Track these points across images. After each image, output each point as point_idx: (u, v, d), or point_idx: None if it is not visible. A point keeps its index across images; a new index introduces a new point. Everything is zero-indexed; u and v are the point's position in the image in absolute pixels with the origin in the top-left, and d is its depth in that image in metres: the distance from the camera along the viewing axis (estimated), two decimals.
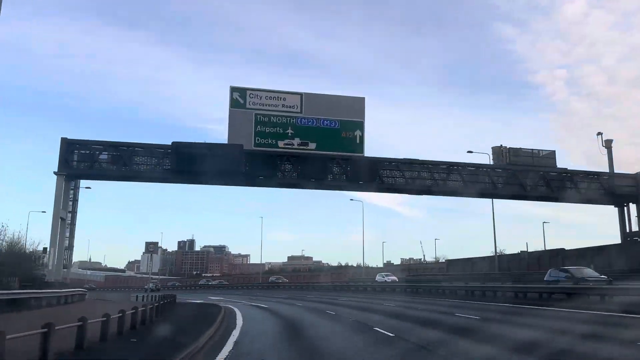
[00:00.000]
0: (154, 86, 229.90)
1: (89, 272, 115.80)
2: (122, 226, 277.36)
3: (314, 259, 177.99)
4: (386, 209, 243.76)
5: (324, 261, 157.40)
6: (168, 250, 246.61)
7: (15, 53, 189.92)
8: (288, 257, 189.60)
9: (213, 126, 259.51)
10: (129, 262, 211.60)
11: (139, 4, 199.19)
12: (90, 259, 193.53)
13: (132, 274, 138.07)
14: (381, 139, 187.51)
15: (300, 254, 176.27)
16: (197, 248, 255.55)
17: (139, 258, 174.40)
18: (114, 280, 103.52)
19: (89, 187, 47.99)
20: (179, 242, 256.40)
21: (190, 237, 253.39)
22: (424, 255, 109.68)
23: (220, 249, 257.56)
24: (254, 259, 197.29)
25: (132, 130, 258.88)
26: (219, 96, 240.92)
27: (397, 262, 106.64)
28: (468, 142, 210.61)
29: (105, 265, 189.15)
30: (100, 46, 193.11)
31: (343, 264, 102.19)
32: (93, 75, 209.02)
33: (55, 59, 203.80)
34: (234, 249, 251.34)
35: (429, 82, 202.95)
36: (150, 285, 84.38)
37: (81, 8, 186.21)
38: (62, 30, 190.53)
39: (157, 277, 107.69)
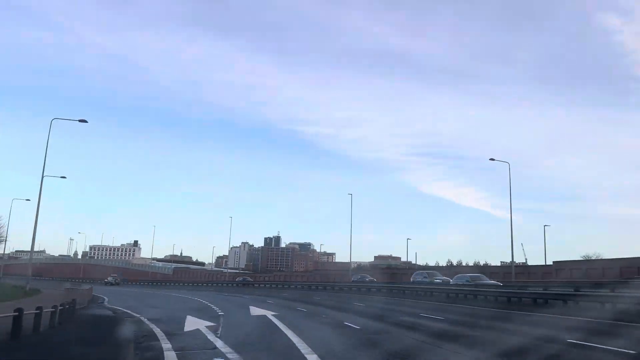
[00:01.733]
0: (247, 91, 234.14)
1: (160, 264, 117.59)
2: (215, 223, 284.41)
3: (402, 259, 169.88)
4: (479, 211, 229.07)
5: (411, 261, 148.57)
6: (254, 246, 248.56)
7: (120, 63, 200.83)
8: (375, 256, 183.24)
9: (302, 127, 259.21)
10: (217, 257, 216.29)
11: (232, 13, 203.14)
12: (181, 253, 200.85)
13: (212, 267, 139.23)
14: (476, 136, 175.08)
15: (388, 254, 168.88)
16: (283, 245, 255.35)
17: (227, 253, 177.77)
18: (181, 273, 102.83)
19: None
20: (265, 239, 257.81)
21: (276, 234, 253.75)
22: (525, 259, 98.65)
23: (306, 246, 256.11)
24: (339, 258, 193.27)
25: (228, 132, 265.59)
26: (309, 98, 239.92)
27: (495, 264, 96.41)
28: (566, 139, 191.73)
29: (197, 259, 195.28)
30: (198, 54, 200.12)
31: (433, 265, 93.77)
32: (192, 82, 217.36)
33: (157, 67, 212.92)
34: (319, 247, 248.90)
35: (525, 78, 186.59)
36: (110, 279, 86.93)
37: (178, 18, 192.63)
38: (163, 39, 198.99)
39: (230, 271, 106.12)
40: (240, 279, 78.22)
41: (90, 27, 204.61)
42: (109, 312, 22.44)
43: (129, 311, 22.03)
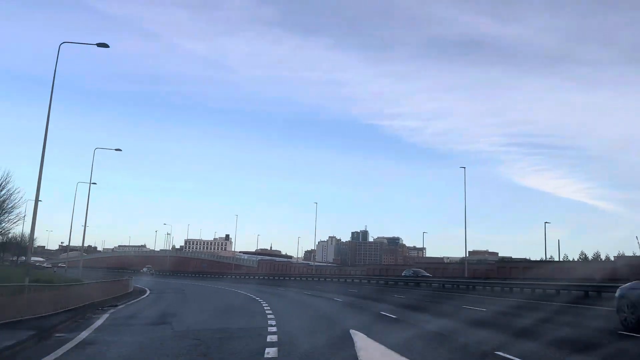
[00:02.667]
0: (331, 87, 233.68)
1: (245, 256, 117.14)
2: (303, 218, 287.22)
3: (499, 254, 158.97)
4: (579, 203, 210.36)
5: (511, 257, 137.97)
6: (342, 240, 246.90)
7: (209, 67, 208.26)
8: (469, 252, 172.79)
9: (387, 122, 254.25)
10: (305, 252, 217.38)
11: (315, 12, 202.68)
12: (271, 247, 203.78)
13: (299, 261, 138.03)
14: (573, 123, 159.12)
15: (484, 249, 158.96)
16: (370, 239, 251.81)
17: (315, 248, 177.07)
18: (266, 265, 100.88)
19: None
20: (353, 233, 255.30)
21: (363, 228, 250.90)
22: None
23: (394, 241, 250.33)
24: (430, 253, 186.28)
25: (314, 131, 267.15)
26: (394, 91, 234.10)
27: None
28: None
29: (285, 253, 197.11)
30: (283, 54, 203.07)
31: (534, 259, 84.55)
32: (278, 82, 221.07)
33: (244, 69, 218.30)
34: (408, 242, 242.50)
35: (627, 59, 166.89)
36: (145, 269, 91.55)
37: (263, 21, 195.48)
38: (249, 42, 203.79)
39: (317, 264, 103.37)
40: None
41: (181, 34, 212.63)
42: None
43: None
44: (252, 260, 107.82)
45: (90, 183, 40.28)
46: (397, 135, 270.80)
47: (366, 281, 52.77)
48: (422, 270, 50.53)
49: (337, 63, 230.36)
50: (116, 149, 39.91)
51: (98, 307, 15.63)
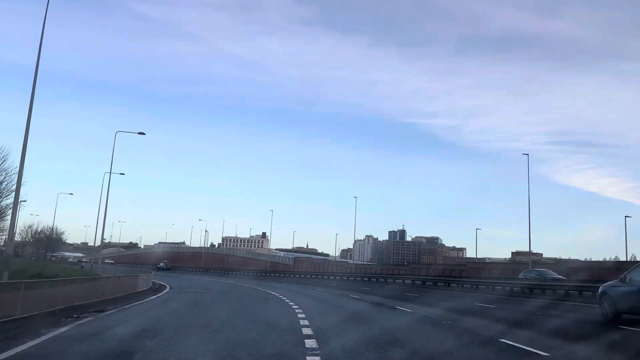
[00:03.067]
0: (366, 86, 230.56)
1: (281, 253, 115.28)
2: (340, 217, 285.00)
3: (543, 255, 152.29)
4: (628, 204, 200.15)
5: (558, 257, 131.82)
6: (379, 239, 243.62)
7: (249, 68, 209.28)
8: (512, 252, 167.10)
9: (423, 120, 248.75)
10: (342, 250, 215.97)
11: (350, 11, 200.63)
12: (307, 245, 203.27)
13: (337, 259, 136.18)
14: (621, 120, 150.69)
15: (526, 250, 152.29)
16: (408, 238, 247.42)
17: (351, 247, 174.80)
18: (302, 263, 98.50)
19: None
20: (390, 232, 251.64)
21: (400, 228, 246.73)
22: None
23: (433, 241, 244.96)
24: (470, 253, 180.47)
25: (349, 130, 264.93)
26: (430, 89, 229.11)
27: None
28: None
29: (322, 251, 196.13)
30: (320, 54, 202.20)
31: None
32: (314, 82, 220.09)
33: (282, 69, 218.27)
34: (447, 243, 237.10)
35: None
36: (161, 264, 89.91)
37: (300, 22, 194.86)
38: (286, 42, 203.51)
39: (355, 262, 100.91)
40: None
41: (221, 36, 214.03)
42: None
43: None
44: (288, 257, 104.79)
45: (110, 173, 39.44)
46: (433, 134, 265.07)
47: (431, 283, 43.73)
48: (550, 272, 33.89)
49: (373, 61, 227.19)
50: (139, 133, 38.69)
51: (73, 314, 12.21)
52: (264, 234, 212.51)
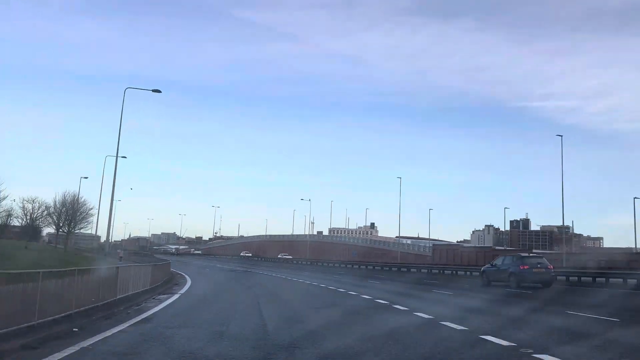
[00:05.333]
0: (474, 72, 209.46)
1: (409, 241, 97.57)
2: (452, 207, 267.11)
3: None
4: None
5: None
6: (500, 229, 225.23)
7: (351, 64, 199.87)
8: None
9: (538, 103, 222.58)
10: (457, 242, 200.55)
11: None
12: (418, 235, 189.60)
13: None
14: None
15: None
16: (536, 227, 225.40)
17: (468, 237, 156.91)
18: (443, 252, 78.78)
19: None
20: (512, 222, 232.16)
21: (524, 217, 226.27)
22: None
23: (562, 230, 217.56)
24: (608, 243, 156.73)
25: (457, 118, 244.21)
26: (546, 71, 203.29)
27: None
28: None
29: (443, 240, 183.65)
30: (423, 43, 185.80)
31: None
32: (417, 72, 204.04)
33: (385, 62, 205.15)
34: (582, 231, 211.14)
35: None
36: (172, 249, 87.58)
37: (400, 12, 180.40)
38: (388, 35, 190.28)
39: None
40: None
41: (323, 34, 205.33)
42: None
43: None
44: (421, 246, 79.45)
45: (117, 156, 32.85)
46: (550, 117, 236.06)
47: (590, 279, 27.60)
48: None
49: (480, 45, 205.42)
50: (153, 90, 33.85)
51: None
52: (372, 225, 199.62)
